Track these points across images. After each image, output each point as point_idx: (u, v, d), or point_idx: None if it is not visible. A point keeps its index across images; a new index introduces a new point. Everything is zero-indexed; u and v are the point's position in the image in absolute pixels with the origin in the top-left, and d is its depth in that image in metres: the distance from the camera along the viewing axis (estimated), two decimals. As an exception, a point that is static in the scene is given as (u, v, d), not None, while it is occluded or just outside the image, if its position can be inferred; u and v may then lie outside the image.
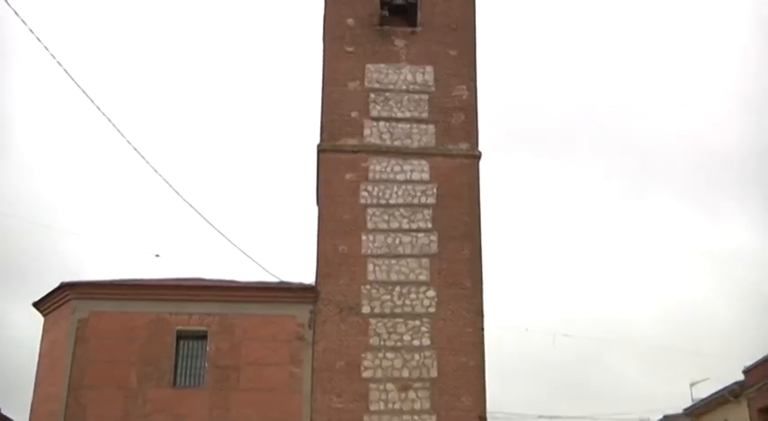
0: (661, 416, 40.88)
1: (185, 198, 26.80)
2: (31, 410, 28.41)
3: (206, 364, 27.86)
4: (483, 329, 28.60)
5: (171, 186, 25.07)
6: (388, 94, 30.96)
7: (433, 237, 29.43)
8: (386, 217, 29.59)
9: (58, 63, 18.58)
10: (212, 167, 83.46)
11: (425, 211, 29.74)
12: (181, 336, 28.14)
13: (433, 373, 27.92)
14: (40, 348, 29.26)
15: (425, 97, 31.03)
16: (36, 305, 29.76)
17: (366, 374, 27.78)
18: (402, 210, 29.69)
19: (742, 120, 78.78)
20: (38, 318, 29.79)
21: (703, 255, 79.56)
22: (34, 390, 28.62)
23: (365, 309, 28.48)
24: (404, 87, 31.06)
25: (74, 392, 27.26)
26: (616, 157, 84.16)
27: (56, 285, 29.01)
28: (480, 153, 30.61)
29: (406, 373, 27.88)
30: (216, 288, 28.98)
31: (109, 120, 21.09)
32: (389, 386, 27.72)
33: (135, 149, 22.25)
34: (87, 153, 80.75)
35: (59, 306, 28.90)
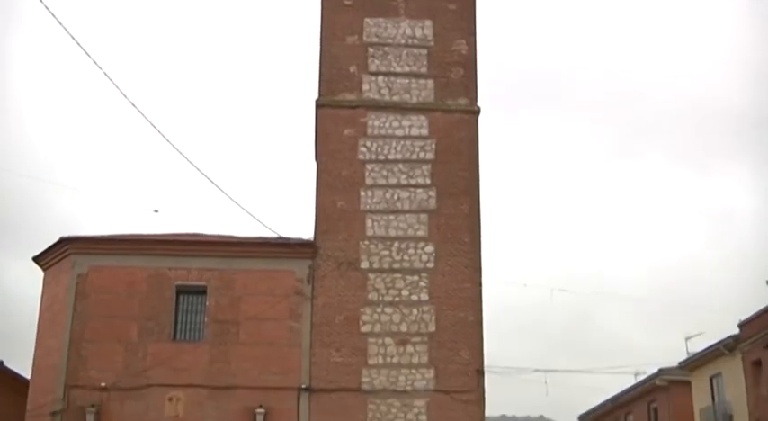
0: (656, 370, 41.27)
1: (184, 153, 26.63)
2: (34, 363, 28.68)
3: (205, 319, 28.06)
4: (481, 284, 28.75)
5: (169, 141, 24.85)
6: (386, 48, 30.71)
7: (432, 193, 29.43)
8: (384, 172, 29.56)
9: (53, 16, 18.38)
10: (211, 123, 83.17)
11: (424, 167, 29.70)
12: (180, 291, 28.30)
13: (432, 328, 28.13)
14: (41, 302, 29.43)
15: (424, 52, 30.79)
16: (36, 259, 29.86)
17: (365, 329, 28.00)
18: (401, 165, 29.65)
19: (740, 81, 78.48)
20: (38, 273, 29.98)
21: (699, 213, 79.86)
22: (36, 344, 28.85)
23: (364, 265, 28.60)
24: (403, 42, 30.81)
25: (75, 346, 27.51)
26: (614, 117, 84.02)
27: (55, 240, 29.15)
28: (479, 108, 30.47)
29: (404, 328, 28.10)
30: (215, 243, 29.08)
31: (106, 76, 20.88)
32: (388, 340, 27.95)
33: (132, 104, 22.05)
34: (85, 108, 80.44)
35: (59, 260, 29.01)
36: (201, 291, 28.27)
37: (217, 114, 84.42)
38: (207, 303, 28.15)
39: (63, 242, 28.90)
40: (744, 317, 34.22)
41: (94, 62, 20.13)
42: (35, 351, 28.75)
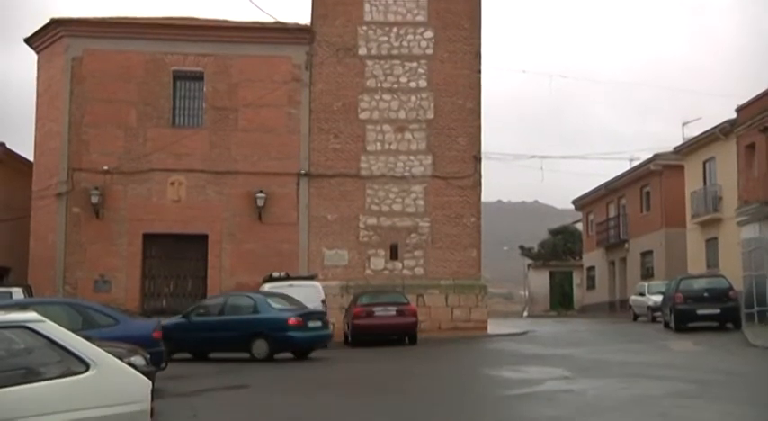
0: (651, 155, 41.71)
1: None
2: (35, 146, 28.98)
3: (204, 105, 28.06)
4: (480, 71, 28.51)
5: None
6: None
7: (432, -24, 28.50)
8: (382, -47, 28.48)
9: None
10: None
11: (423, -53, 28.55)
12: (177, 77, 28.08)
13: (430, 115, 28.20)
14: (37, 85, 29.29)
15: None
16: (27, 41, 29.37)
17: (363, 116, 28.07)
18: (399, -54, 28.50)
19: None
20: (32, 56, 29.60)
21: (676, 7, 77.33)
22: (36, 127, 29.01)
23: (362, 51, 28.18)
24: None
25: (75, 130, 27.72)
26: None
27: (46, 21, 28.55)
28: None
29: (402, 115, 28.16)
30: (211, 28, 28.42)
31: None
32: (386, 127, 28.09)
33: None
34: None
35: (51, 43, 28.56)
36: (198, 77, 28.04)
37: None
38: (204, 89, 28.03)
39: (54, 23, 28.31)
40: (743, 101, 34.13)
41: None
42: (35, 134, 28.98)
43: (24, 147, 31.05)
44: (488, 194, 29.80)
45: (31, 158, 29.47)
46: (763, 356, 17.76)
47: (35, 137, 29.03)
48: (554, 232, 59.61)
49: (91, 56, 27.99)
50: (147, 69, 27.86)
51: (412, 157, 28.05)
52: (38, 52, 29.23)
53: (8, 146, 30.52)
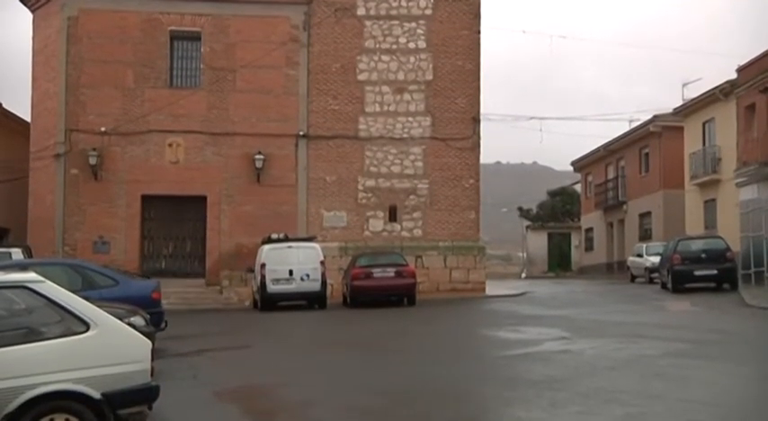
0: (651, 116, 41.56)
1: None
2: (32, 106, 28.79)
3: (201, 66, 27.89)
4: (479, 32, 28.31)
5: None
6: None
7: (431, -65, 28.17)
8: None
9: None
10: None
11: None
12: (174, 37, 27.87)
13: (429, 76, 28.05)
14: (33, 45, 29.03)
15: None
16: (23, 0, 29.10)
17: (362, 77, 27.91)
18: None
19: None
20: (27, 15, 29.37)
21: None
22: (32, 87, 28.78)
23: (360, 11, 27.94)
24: None
25: (72, 90, 27.58)
26: None
27: (40, -20, 28.29)
28: None
29: (401, 76, 28.00)
30: (207, -14, 28.19)
31: None
32: (385, 88, 27.95)
33: None
34: None
35: (47, 2, 28.30)
36: (196, 37, 27.83)
37: None
38: (202, 49, 27.84)
39: (49, -18, 28.05)
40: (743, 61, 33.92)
41: None
42: (32, 94, 28.77)
43: (21, 107, 30.96)
44: (487, 156, 29.81)
45: (28, 119, 29.34)
46: (760, 317, 17.88)
47: (32, 97, 28.85)
48: (553, 194, 59.58)
49: (87, 15, 27.77)
50: (144, 29, 27.65)
51: (411, 119, 27.95)
52: (33, 11, 28.98)
53: (4, 106, 30.41)
